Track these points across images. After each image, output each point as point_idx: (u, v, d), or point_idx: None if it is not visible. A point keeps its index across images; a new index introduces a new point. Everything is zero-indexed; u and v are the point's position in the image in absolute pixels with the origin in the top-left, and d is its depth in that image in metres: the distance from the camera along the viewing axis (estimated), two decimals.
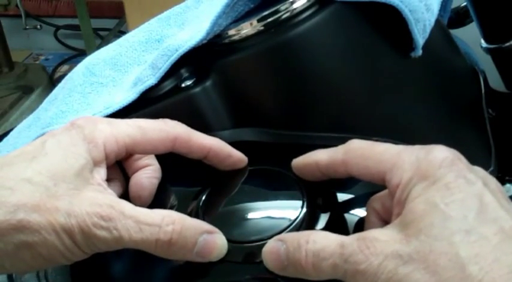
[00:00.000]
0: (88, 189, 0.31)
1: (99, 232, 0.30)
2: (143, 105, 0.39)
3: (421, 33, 0.38)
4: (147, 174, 0.37)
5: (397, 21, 0.37)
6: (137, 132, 0.35)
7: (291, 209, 0.34)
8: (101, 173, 0.33)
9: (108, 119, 0.36)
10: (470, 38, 0.51)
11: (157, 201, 0.37)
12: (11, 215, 0.30)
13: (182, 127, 0.36)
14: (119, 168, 0.37)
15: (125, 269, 0.35)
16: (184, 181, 0.41)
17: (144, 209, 0.31)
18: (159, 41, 0.44)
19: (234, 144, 0.37)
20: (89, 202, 0.30)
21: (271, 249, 0.30)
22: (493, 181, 0.29)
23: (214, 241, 0.32)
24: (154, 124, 0.35)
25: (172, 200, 0.39)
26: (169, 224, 0.31)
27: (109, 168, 0.35)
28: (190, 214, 0.35)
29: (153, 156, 0.38)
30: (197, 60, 0.39)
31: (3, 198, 0.30)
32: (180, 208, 0.37)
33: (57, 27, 2.28)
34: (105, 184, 0.33)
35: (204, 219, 0.34)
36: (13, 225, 0.30)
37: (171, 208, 0.38)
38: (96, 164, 0.33)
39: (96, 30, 2.02)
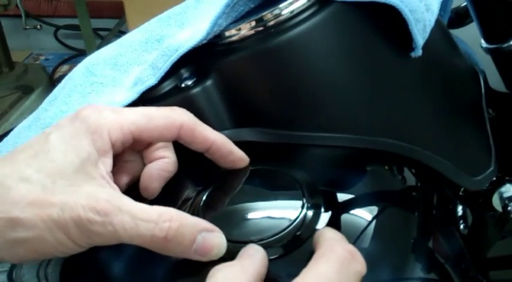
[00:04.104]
0: (88, 184, 0.31)
1: (93, 227, 0.30)
2: (143, 105, 0.39)
3: (421, 33, 0.38)
4: (159, 166, 0.36)
5: (397, 21, 0.37)
6: (142, 119, 0.35)
7: (291, 209, 0.34)
8: (107, 163, 0.33)
9: (114, 107, 0.35)
10: (470, 38, 0.51)
11: (162, 196, 0.37)
12: (6, 213, 0.30)
13: (188, 115, 0.36)
14: (136, 152, 0.37)
15: (124, 267, 0.35)
16: (186, 180, 0.41)
17: (143, 204, 0.31)
18: (159, 41, 0.44)
19: (234, 144, 0.37)
20: (85, 196, 0.30)
21: None
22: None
23: (213, 239, 0.32)
24: (161, 111, 0.35)
25: (177, 196, 0.39)
26: (166, 221, 0.30)
27: (126, 150, 0.35)
28: (192, 213, 0.35)
29: (171, 148, 0.37)
30: (197, 60, 0.39)
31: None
32: (182, 207, 0.37)
33: (57, 27, 2.28)
34: (109, 177, 0.33)
35: (204, 218, 0.34)
36: (7, 222, 0.30)
37: (175, 204, 0.37)
38: (101, 154, 0.33)
39: (96, 30, 2.02)
